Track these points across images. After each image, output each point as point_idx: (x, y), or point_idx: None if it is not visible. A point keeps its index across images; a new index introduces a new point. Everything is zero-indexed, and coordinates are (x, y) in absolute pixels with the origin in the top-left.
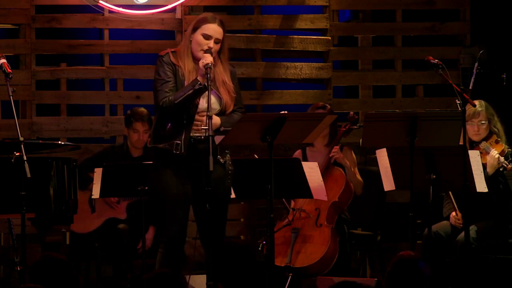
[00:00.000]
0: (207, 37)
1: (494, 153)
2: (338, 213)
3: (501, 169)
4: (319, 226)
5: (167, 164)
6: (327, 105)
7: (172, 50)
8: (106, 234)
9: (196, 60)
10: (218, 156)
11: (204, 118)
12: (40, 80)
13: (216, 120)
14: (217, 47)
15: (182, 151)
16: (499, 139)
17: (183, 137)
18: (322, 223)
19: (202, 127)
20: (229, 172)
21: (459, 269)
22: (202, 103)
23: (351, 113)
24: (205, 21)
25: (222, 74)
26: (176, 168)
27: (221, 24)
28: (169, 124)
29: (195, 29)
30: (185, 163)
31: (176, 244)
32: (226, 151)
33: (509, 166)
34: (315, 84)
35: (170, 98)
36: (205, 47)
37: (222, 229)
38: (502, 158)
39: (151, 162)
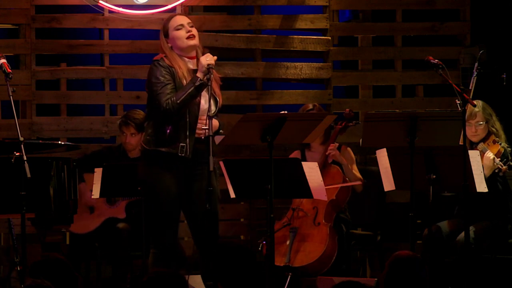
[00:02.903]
0: (180, 27)
1: (489, 154)
2: (336, 211)
3: (496, 171)
4: (317, 224)
5: (169, 167)
6: (316, 104)
7: (164, 55)
8: (106, 233)
9: (187, 55)
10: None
11: (204, 119)
12: (40, 80)
13: (216, 122)
14: (196, 31)
15: (188, 153)
16: (496, 139)
17: (188, 139)
18: (320, 221)
19: (202, 127)
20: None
21: (459, 269)
22: (202, 103)
23: (347, 110)
24: (168, 20)
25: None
26: (177, 171)
27: (183, 14)
28: (170, 128)
29: (166, 33)
30: (186, 165)
31: (172, 246)
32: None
33: (504, 167)
34: (315, 84)
35: (173, 99)
36: (188, 34)
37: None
38: (497, 160)
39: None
